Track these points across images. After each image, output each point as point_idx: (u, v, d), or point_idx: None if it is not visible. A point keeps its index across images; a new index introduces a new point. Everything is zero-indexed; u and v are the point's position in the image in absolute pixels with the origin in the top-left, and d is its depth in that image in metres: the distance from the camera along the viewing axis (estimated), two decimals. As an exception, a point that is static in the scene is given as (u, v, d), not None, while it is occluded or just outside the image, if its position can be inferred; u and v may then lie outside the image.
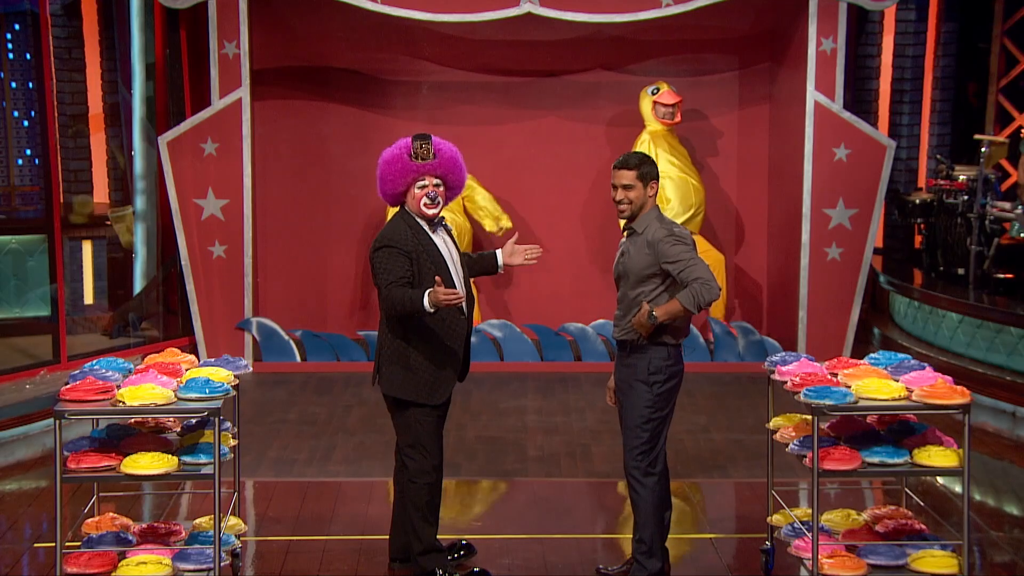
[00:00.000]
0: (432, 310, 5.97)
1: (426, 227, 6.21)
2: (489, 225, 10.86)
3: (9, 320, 10.70)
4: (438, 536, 6.32)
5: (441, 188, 6.22)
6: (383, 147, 6.40)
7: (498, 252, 6.49)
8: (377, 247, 6.16)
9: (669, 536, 6.24)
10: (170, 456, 5.66)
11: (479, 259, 6.52)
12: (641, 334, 5.94)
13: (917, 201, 11.59)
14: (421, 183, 6.17)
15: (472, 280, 6.55)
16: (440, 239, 6.24)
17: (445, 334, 6.17)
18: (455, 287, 6.15)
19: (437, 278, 5.99)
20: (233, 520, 6.22)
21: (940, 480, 7.67)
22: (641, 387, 5.99)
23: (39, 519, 7.28)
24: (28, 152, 11.12)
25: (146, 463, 5.59)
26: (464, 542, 6.55)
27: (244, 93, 10.34)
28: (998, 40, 12.34)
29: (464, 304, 6.19)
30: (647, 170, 6.02)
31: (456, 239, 6.41)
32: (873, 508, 6.32)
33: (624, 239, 6.13)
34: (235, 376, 6.05)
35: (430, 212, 6.19)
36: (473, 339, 10.48)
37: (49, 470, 7.91)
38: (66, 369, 9.76)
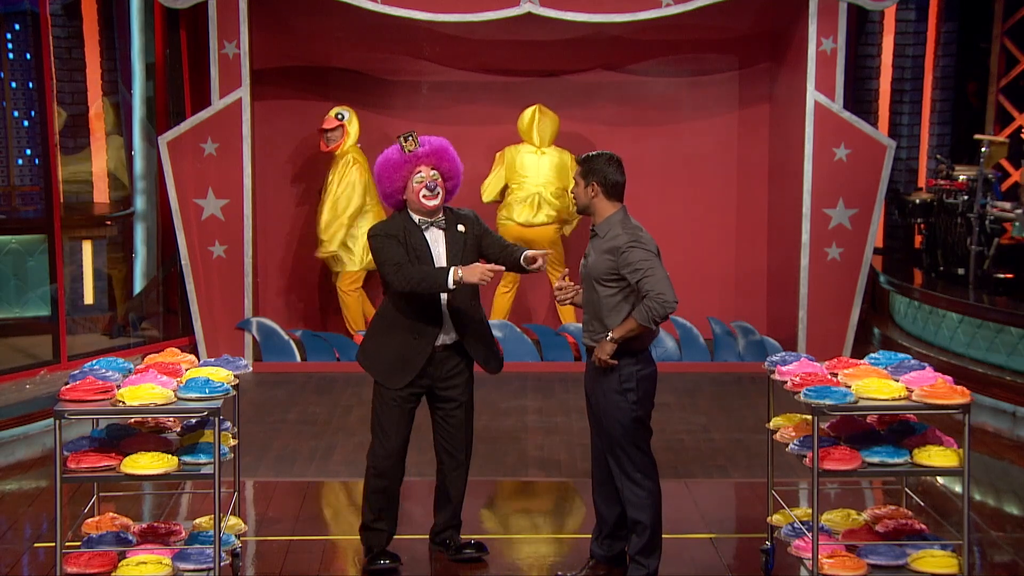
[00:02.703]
0: (453, 287, 6.13)
1: (421, 224, 6.26)
2: None
3: (9, 320, 10.70)
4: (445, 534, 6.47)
5: (439, 179, 6.27)
6: (383, 147, 6.45)
7: (523, 255, 6.43)
8: (369, 236, 6.34)
9: (670, 536, 6.24)
10: (170, 456, 5.66)
11: (508, 252, 6.46)
12: (605, 360, 5.93)
13: (917, 201, 11.58)
14: (418, 175, 6.23)
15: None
16: (433, 236, 6.29)
17: (417, 324, 6.27)
18: (438, 294, 6.26)
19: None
20: (233, 520, 6.22)
21: (940, 480, 7.67)
22: (617, 398, 5.98)
23: (39, 519, 7.28)
24: (28, 152, 11.11)
25: (146, 463, 5.59)
26: (473, 541, 6.61)
27: (244, 93, 10.33)
28: (998, 40, 12.34)
29: (445, 312, 6.31)
30: (588, 168, 6.03)
31: (465, 239, 6.39)
32: (873, 508, 6.32)
33: (590, 240, 6.13)
34: (235, 376, 6.06)
35: (430, 204, 6.26)
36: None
37: (49, 470, 7.91)
38: (66, 369, 9.75)
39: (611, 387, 5.99)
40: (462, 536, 6.62)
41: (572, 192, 6.16)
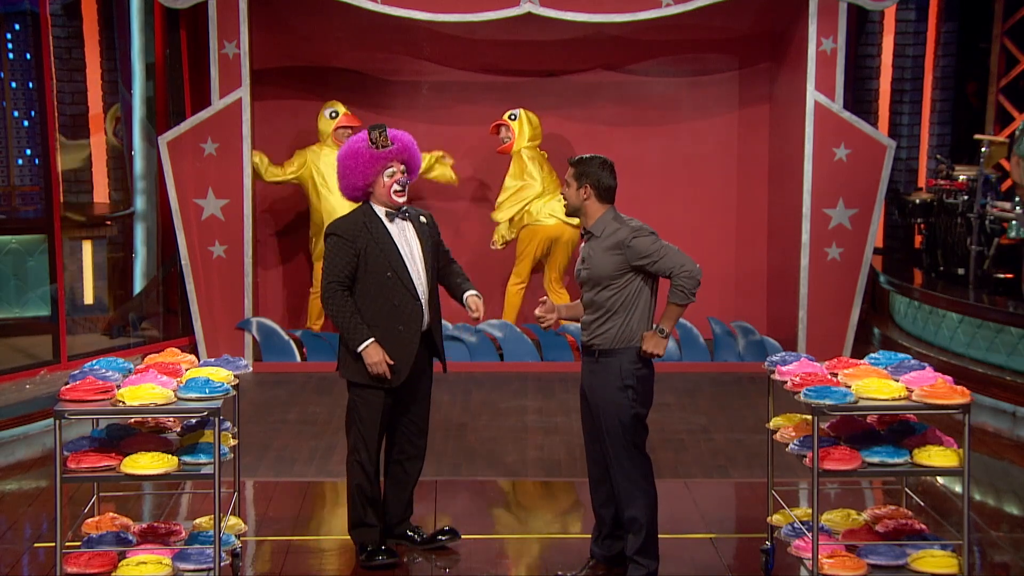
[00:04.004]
0: (356, 352, 6.26)
1: (383, 217, 6.34)
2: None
3: (9, 320, 10.70)
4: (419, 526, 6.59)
5: (406, 174, 6.38)
6: (384, 147, 6.48)
7: (467, 295, 6.58)
8: (327, 234, 6.40)
9: (670, 536, 6.24)
10: (170, 456, 5.66)
11: (457, 282, 6.59)
12: (658, 354, 5.97)
13: (917, 201, 11.58)
14: (389, 171, 6.35)
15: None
16: (398, 228, 6.37)
17: (397, 319, 6.34)
18: (410, 278, 6.34)
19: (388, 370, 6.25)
20: (233, 520, 6.22)
21: (940, 480, 7.67)
22: (617, 395, 5.99)
23: (39, 519, 7.28)
24: (28, 152, 11.11)
25: (146, 463, 5.59)
26: (447, 527, 6.70)
27: (244, 93, 10.33)
28: (998, 40, 12.34)
29: (424, 295, 6.40)
30: (581, 171, 6.06)
31: (430, 231, 6.50)
32: (873, 508, 6.32)
33: (584, 243, 6.14)
34: (235, 376, 6.06)
35: (400, 200, 6.39)
36: (473, 339, 10.54)
37: (49, 470, 7.91)
38: (66, 369, 9.75)
39: (612, 384, 5.99)
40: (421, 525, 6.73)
41: (562, 193, 6.17)
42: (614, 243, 5.97)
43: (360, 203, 6.47)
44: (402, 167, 6.37)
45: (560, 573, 6.35)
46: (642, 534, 6.04)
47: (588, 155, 6.14)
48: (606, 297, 5.99)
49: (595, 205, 6.06)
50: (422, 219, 6.49)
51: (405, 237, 6.40)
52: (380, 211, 6.39)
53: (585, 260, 6.08)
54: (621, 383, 5.99)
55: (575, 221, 10.46)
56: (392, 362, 6.31)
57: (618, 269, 5.96)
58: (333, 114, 10.64)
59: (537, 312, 6.19)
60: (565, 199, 6.13)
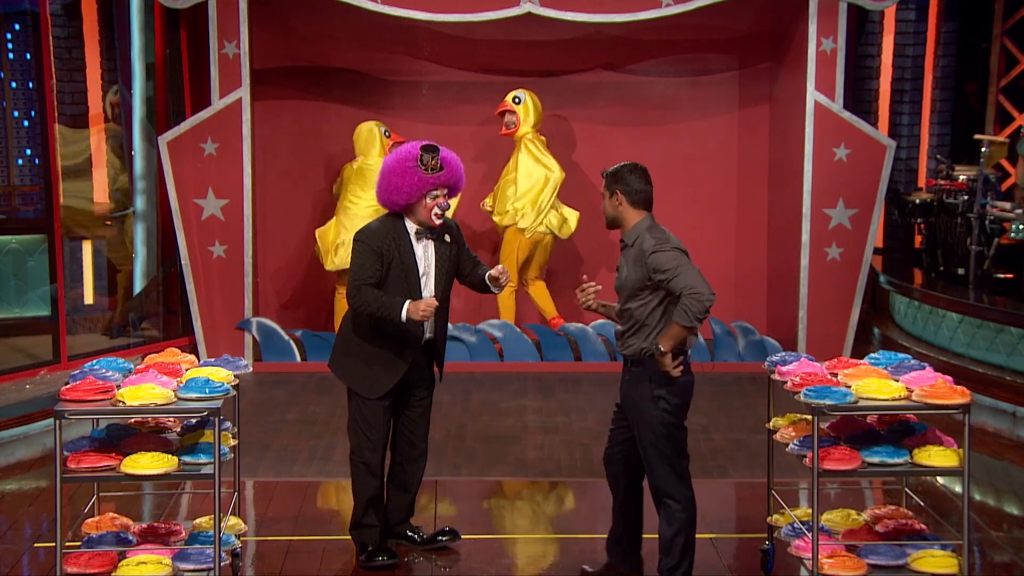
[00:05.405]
0: (405, 320, 6.20)
1: (412, 234, 6.36)
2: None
3: (9, 320, 10.70)
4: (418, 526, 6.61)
5: (447, 197, 6.37)
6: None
7: (487, 274, 6.50)
8: (355, 238, 6.41)
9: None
10: (170, 456, 5.67)
11: (476, 269, 6.57)
12: (667, 367, 5.86)
13: (917, 201, 11.58)
14: (434, 194, 6.32)
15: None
16: (422, 248, 6.37)
17: (396, 336, 6.35)
18: (419, 296, 6.33)
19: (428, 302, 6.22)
20: (233, 520, 6.23)
21: (940, 480, 7.67)
22: (649, 406, 5.92)
23: (39, 519, 7.28)
24: (28, 152, 11.11)
25: (146, 463, 5.59)
26: (448, 528, 6.71)
27: (244, 93, 10.33)
28: (998, 40, 12.34)
29: (429, 319, 6.35)
30: (610, 179, 6.01)
31: (450, 251, 6.45)
32: (873, 508, 6.32)
33: (622, 253, 6.10)
34: (235, 376, 6.06)
35: (439, 223, 6.37)
36: (473, 339, 10.55)
37: (49, 470, 7.91)
38: (66, 369, 9.75)
39: (644, 395, 5.93)
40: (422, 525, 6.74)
41: (602, 207, 6.07)
42: (638, 254, 5.91)
43: (390, 213, 6.43)
44: (445, 191, 6.35)
45: (586, 567, 6.30)
46: (681, 554, 5.96)
47: (618, 164, 6.06)
48: (633, 308, 5.92)
49: (629, 212, 5.97)
50: (447, 238, 6.44)
51: (425, 258, 6.39)
52: (411, 228, 6.37)
53: (620, 269, 6.03)
54: (651, 393, 5.91)
55: (566, 232, 10.59)
56: (437, 302, 6.26)
57: (640, 279, 5.89)
58: (387, 133, 10.65)
59: (581, 295, 6.10)
60: (604, 212, 6.04)
